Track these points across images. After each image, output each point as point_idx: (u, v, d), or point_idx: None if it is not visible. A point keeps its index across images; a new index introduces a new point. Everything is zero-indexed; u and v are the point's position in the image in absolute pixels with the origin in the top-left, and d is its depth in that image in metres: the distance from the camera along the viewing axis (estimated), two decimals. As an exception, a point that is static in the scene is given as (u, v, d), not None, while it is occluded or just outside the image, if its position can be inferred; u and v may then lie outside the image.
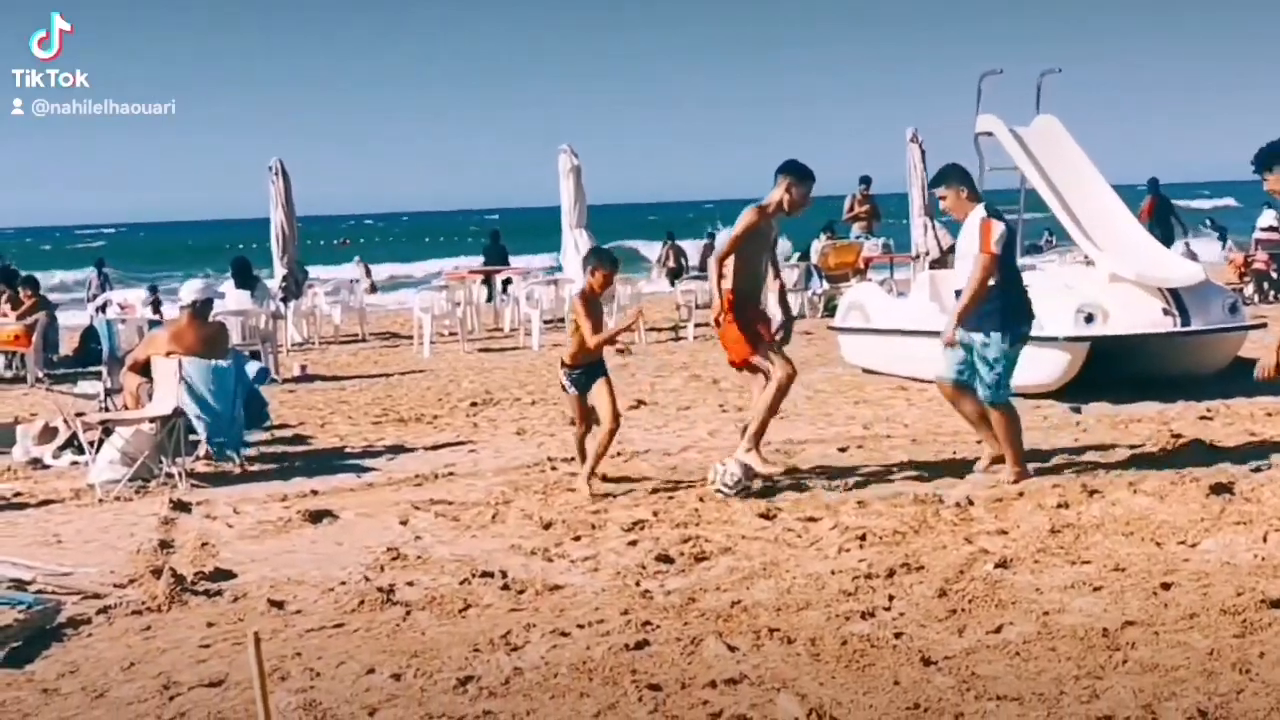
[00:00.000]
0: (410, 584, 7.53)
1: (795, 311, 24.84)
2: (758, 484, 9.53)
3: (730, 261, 9.86)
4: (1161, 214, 25.84)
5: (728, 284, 9.84)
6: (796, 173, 9.92)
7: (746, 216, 9.87)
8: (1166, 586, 6.84)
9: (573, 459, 10.24)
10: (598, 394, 9.64)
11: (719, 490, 9.34)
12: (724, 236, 11.52)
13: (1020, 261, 15.25)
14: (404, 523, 9.14)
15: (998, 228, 9.41)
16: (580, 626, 6.58)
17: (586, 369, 9.68)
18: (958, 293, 9.70)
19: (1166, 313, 13.23)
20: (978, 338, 9.43)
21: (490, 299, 26.43)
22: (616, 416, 9.64)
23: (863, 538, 8.11)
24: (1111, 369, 13.38)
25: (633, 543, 8.31)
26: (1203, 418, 12.02)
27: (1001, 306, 9.40)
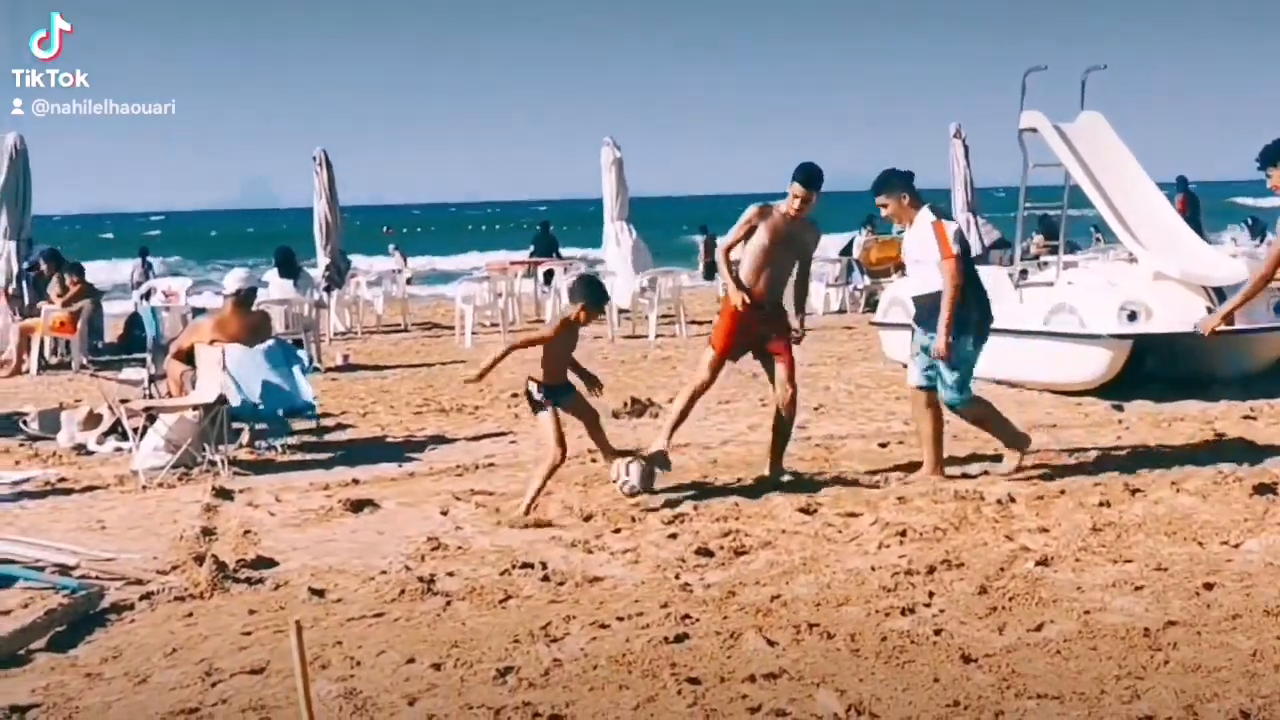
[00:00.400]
0: (451, 574, 7.56)
1: (836, 306, 25.11)
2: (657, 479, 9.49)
3: (743, 258, 9.83)
4: (1192, 212, 25.65)
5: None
6: (795, 173, 9.78)
7: (745, 212, 9.86)
8: (1209, 587, 6.80)
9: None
10: (553, 422, 9.19)
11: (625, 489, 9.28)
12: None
13: (1065, 259, 15.29)
14: (444, 513, 9.17)
15: (950, 227, 9.38)
16: (619, 619, 6.59)
17: (558, 389, 9.38)
18: (915, 299, 9.71)
19: (1210, 310, 13.13)
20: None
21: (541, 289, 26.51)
22: (563, 448, 9.12)
23: (903, 534, 8.09)
24: (1154, 367, 13.32)
25: (673, 535, 8.32)
26: (1246, 417, 11.95)
27: (962, 307, 9.34)
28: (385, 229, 63.62)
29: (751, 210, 9.86)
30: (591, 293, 9.51)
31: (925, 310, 9.52)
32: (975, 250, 24.31)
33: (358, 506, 9.35)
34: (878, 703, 5.34)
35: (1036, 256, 20.36)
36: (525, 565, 7.62)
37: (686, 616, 6.56)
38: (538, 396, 9.27)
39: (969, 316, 9.38)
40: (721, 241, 10.07)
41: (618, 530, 8.52)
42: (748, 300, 9.68)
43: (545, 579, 7.37)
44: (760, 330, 9.86)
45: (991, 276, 13.08)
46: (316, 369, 16.62)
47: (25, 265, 20.29)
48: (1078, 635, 6.12)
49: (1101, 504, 8.68)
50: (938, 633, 6.21)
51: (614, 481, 9.38)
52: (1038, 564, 7.30)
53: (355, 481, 10.32)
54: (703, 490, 9.59)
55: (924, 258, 9.45)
